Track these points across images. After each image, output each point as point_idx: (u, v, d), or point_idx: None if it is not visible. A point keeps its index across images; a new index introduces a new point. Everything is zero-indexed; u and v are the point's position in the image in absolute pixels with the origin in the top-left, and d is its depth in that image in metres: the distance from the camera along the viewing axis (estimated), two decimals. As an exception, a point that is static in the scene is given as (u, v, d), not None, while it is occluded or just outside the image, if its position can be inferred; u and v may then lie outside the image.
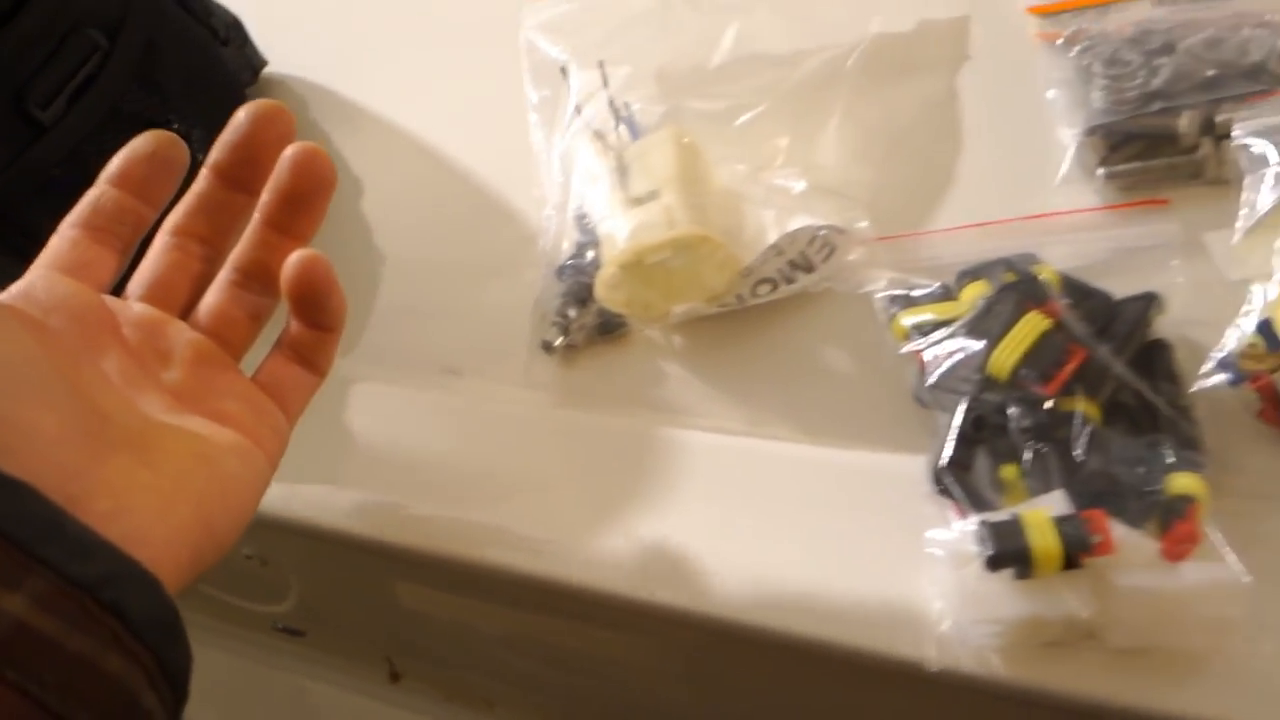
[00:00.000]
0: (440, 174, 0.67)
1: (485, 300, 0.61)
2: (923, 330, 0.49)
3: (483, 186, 0.65)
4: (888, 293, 0.51)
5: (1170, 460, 0.42)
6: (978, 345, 0.46)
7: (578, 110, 0.59)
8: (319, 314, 0.42)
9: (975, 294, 0.48)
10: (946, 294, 0.50)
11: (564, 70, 0.60)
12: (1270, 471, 0.45)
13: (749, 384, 0.54)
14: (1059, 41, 0.56)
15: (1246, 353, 0.46)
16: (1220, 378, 0.46)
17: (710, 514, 0.50)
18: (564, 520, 0.53)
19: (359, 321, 0.65)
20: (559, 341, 0.57)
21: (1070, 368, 0.45)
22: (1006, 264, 0.49)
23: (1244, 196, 0.49)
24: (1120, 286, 0.48)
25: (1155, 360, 0.47)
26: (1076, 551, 0.39)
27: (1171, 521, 0.40)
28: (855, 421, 0.51)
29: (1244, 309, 0.46)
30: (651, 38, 0.59)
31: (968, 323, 0.48)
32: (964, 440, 0.45)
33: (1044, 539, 0.39)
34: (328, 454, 0.59)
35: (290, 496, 0.59)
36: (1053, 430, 0.44)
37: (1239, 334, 0.46)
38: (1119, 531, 0.40)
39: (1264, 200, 0.48)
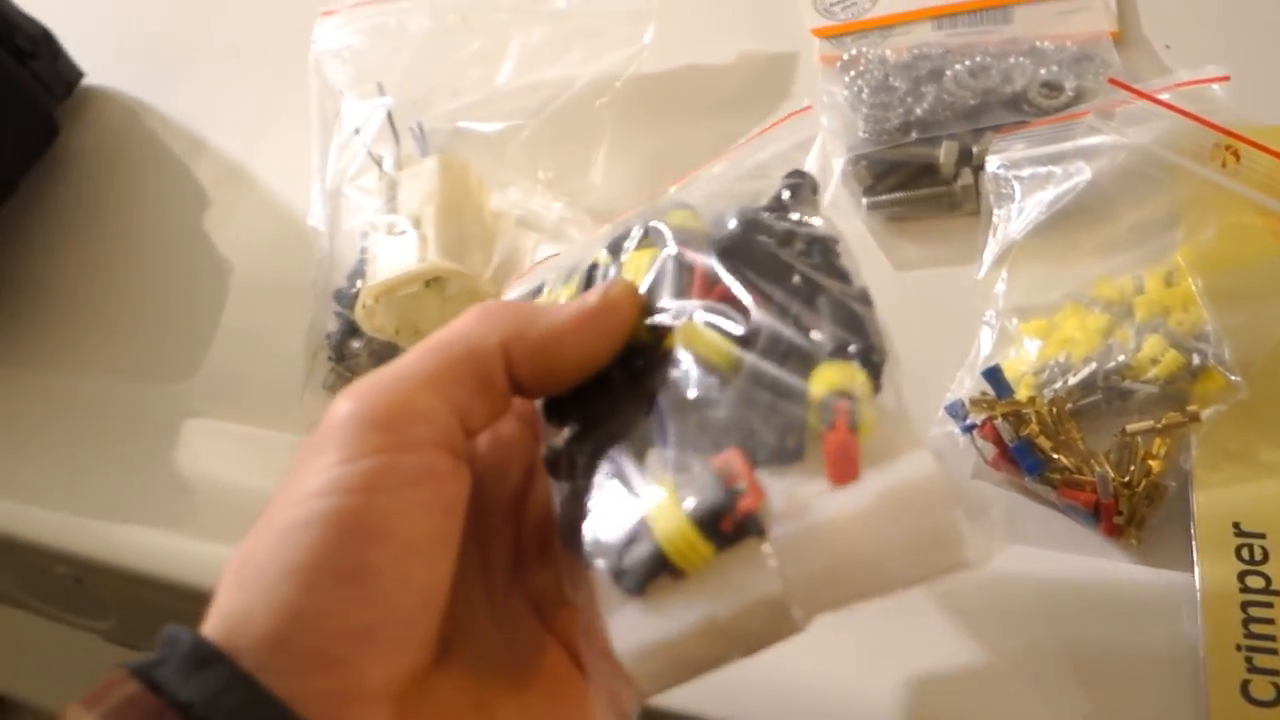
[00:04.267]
0: (240, 194, 0.66)
1: (269, 327, 0.60)
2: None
3: (280, 209, 0.64)
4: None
5: (810, 351, 0.31)
6: None
7: (356, 131, 0.57)
8: None
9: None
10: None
11: (343, 92, 0.59)
12: (1004, 514, 0.45)
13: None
14: (838, 65, 0.55)
15: (976, 400, 0.45)
16: (951, 426, 0.45)
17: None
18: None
19: (168, 344, 0.64)
20: (332, 375, 0.56)
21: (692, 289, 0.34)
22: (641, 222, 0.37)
23: (992, 230, 0.48)
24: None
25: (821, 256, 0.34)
26: (718, 515, 0.28)
27: (826, 425, 0.29)
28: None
29: (971, 354, 0.46)
30: (433, 60, 0.58)
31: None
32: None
33: (669, 521, 0.29)
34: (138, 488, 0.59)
35: (84, 532, 0.59)
36: (657, 382, 0.33)
37: (968, 380, 0.46)
38: (769, 481, 0.29)
39: (1005, 235, 0.47)
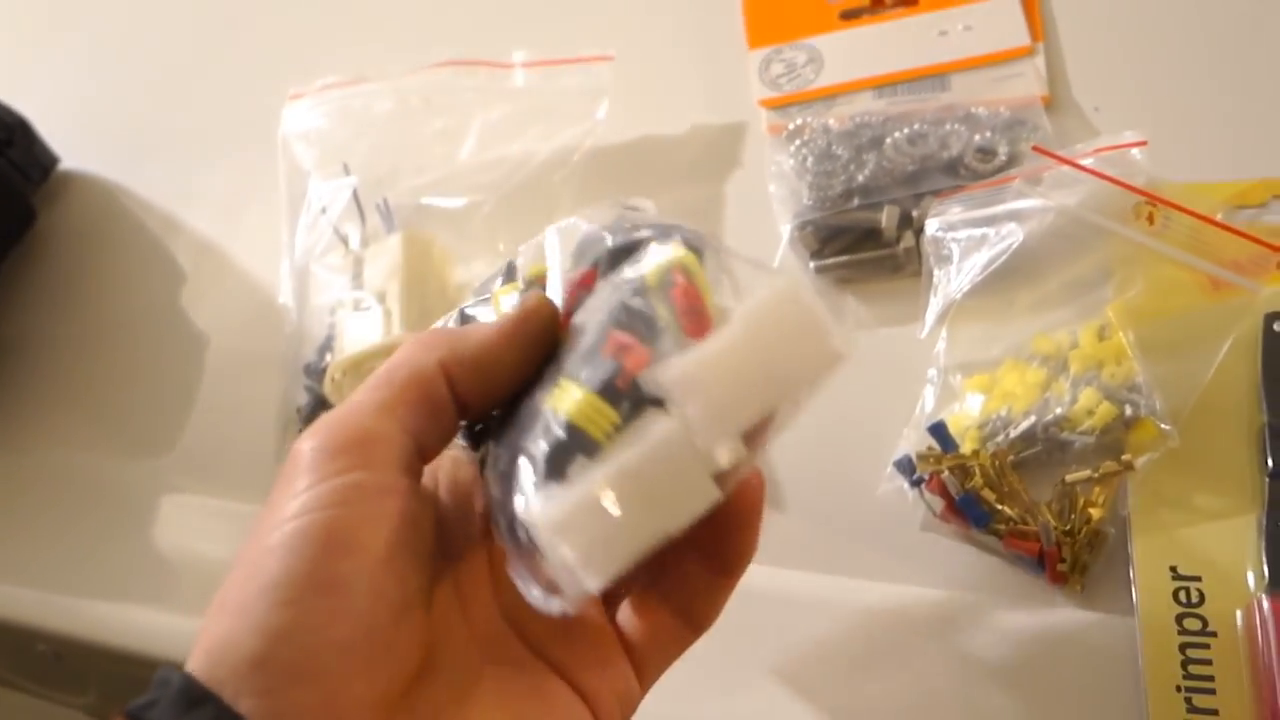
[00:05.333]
0: (214, 272, 0.68)
1: (243, 401, 0.62)
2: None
3: (252, 286, 0.66)
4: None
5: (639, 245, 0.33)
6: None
7: (322, 211, 0.59)
8: (729, 549, 0.34)
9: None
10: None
11: (310, 171, 0.61)
12: (945, 566, 0.46)
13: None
14: (784, 134, 0.57)
15: (923, 454, 0.47)
16: (900, 481, 0.47)
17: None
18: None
19: (144, 420, 0.66)
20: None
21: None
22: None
23: (933, 290, 0.50)
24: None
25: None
26: (613, 381, 0.30)
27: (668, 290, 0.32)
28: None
29: (916, 411, 0.47)
30: (397, 139, 0.60)
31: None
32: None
33: (571, 400, 0.30)
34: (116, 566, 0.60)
35: (62, 609, 0.60)
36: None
37: (914, 435, 0.47)
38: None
39: (946, 294, 0.49)
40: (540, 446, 0.30)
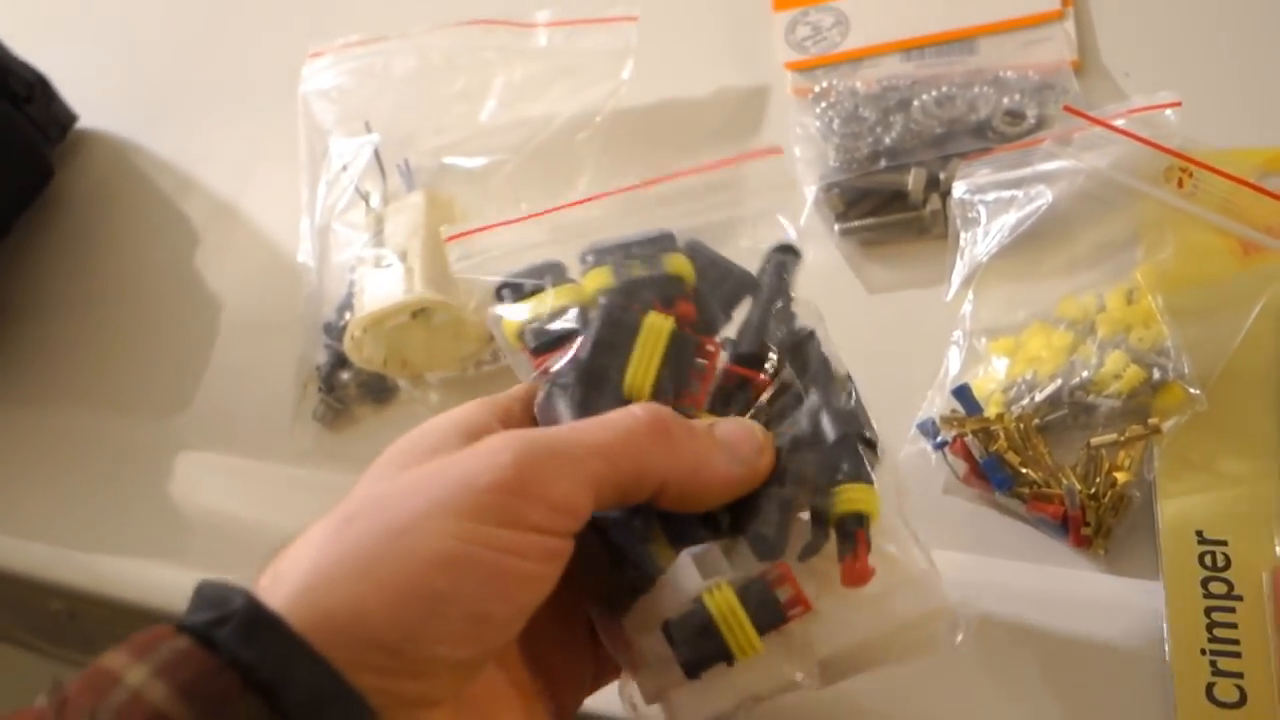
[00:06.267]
0: (231, 231, 0.68)
1: (259, 361, 0.61)
2: (539, 334, 0.39)
3: (269, 245, 0.66)
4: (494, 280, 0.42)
5: (842, 471, 0.36)
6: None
7: (343, 169, 0.59)
8: None
9: (598, 284, 0.39)
10: (560, 275, 0.41)
11: (330, 130, 0.60)
12: (970, 529, 0.46)
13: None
14: (810, 97, 0.57)
15: (947, 417, 0.46)
16: (923, 444, 0.46)
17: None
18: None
19: (160, 378, 0.65)
20: (321, 406, 0.57)
21: (711, 375, 0.38)
22: (628, 250, 0.40)
23: (959, 253, 0.49)
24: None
25: (805, 351, 0.39)
26: (773, 623, 0.35)
27: (845, 548, 0.35)
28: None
29: (940, 374, 0.47)
30: (418, 99, 0.60)
31: (592, 338, 0.38)
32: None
33: (737, 627, 0.34)
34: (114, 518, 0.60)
35: (78, 565, 0.60)
36: None
37: (939, 399, 0.47)
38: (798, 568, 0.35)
39: (972, 257, 0.49)
40: (693, 643, 0.34)
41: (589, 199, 0.43)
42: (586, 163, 0.57)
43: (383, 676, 0.28)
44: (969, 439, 0.45)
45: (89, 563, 0.60)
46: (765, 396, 0.39)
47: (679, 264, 0.39)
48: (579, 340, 0.37)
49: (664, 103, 0.61)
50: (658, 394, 0.37)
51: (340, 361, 0.57)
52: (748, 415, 0.38)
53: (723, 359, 0.39)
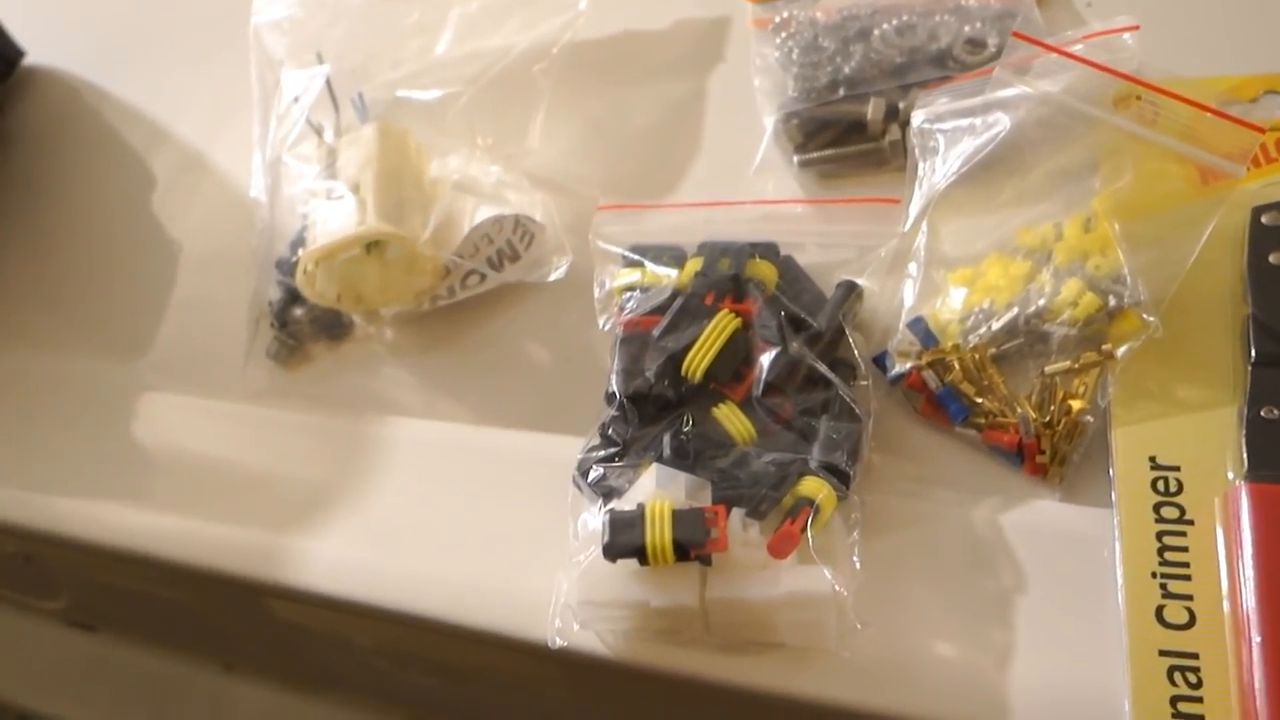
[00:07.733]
0: (184, 169, 0.66)
1: (216, 300, 0.61)
2: (635, 300, 0.49)
3: (224, 183, 0.65)
4: (620, 250, 0.51)
5: (808, 464, 0.43)
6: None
7: (295, 100, 0.58)
8: None
9: (691, 270, 0.49)
10: (677, 259, 0.50)
11: (282, 62, 0.59)
12: (927, 460, 0.46)
13: (462, 378, 0.54)
14: (770, 28, 0.56)
15: (901, 349, 0.46)
16: (881, 374, 0.46)
17: (407, 506, 0.51)
18: (268, 519, 0.53)
19: (116, 319, 0.64)
20: (275, 344, 0.56)
21: (753, 373, 0.46)
22: (724, 250, 0.49)
23: (917, 183, 0.49)
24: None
25: (839, 350, 0.47)
26: (689, 546, 0.40)
27: (785, 517, 0.41)
28: (561, 410, 0.51)
29: (900, 305, 0.47)
30: (372, 30, 0.59)
31: (672, 315, 0.47)
32: (608, 437, 0.46)
33: (658, 532, 0.40)
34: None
35: (37, 506, 0.59)
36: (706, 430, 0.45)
37: (898, 332, 0.47)
38: (738, 528, 0.41)
39: (930, 187, 0.48)
40: (620, 534, 0.40)
41: (741, 202, 0.52)
42: (543, 94, 0.56)
43: None
44: (925, 372, 0.45)
45: (47, 504, 0.59)
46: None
47: (763, 269, 0.48)
48: (666, 316, 0.47)
49: (622, 34, 0.60)
50: (708, 378, 0.46)
51: (293, 297, 0.56)
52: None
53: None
